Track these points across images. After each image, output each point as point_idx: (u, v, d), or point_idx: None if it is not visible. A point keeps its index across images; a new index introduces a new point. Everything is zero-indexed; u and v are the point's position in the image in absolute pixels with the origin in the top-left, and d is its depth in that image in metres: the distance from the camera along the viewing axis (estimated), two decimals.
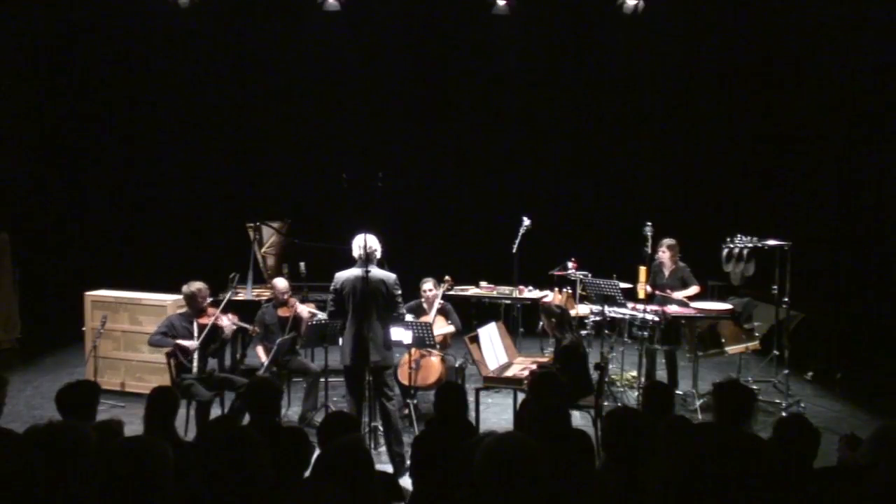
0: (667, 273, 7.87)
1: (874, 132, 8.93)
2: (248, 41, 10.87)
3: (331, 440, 3.32)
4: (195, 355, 6.55)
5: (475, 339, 6.39)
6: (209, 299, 6.89)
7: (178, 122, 11.05)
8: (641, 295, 7.87)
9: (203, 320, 6.71)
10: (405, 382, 6.96)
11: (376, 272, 5.91)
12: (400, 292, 5.98)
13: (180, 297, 7.75)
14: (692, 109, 10.85)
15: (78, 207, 11.14)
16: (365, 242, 5.84)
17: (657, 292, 7.76)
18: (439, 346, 7.16)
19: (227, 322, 6.79)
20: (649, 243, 7.65)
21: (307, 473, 3.30)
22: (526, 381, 5.54)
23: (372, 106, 11.06)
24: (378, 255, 6.01)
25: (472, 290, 8.56)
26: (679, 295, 7.70)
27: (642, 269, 7.89)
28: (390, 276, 5.94)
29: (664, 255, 7.81)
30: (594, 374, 6.72)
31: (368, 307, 5.83)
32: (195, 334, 6.63)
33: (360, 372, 5.93)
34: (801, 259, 7.48)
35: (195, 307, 6.72)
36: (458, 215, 11.11)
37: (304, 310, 7.29)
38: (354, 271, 5.87)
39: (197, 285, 6.77)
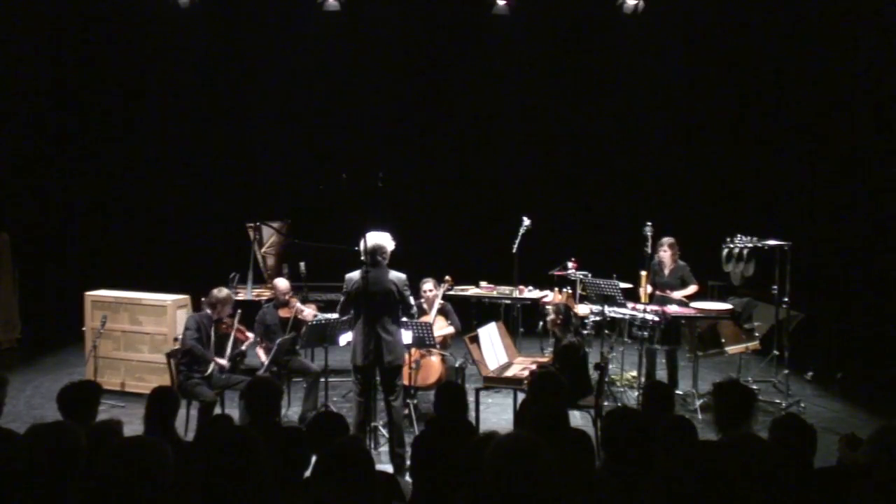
0: (667, 272, 7.87)
1: (875, 131, 8.92)
2: (248, 41, 10.87)
3: (320, 441, 3.32)
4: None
5: (475, 339, 6.39)
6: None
7: (177, 122, 11.05)
8: (644, 300, 7.86)
9: (221, 328, 6.78)
10: (405, 382, 6.95)
11: (387, 273, 5.91)
12: (409, 292, 5.99)
13: (180, 297, 7.78)
14: (692, 109, 10.85)
15: (78, 207, 11.13)
16: (365, 244, 5.85)
17: (657, 292, 7.76)
18: (439, 346, 7.16)
19: (251, 337, 6.94)
20: (649, 243, 7.65)
21: (307, 473, 3.30)
22: (526, 381, 5.54)
23: (372, 106, 11.05)
24: (387, 255, 5.99)
25: (472, 290, 8.56)
26: (678, 294, 7.70)
27: (644, 275, 7.89)
28: (400, 277, 5.96)
29: (665, 253, 7.81)
30: (594, 374, 6.73)
31: (378, 308, 5.83)
32: (212, 340, 6.70)
33: (370, 371, 5.94)
34: (801, 259, 7.48)
35: (219, 314, 6.75)
36: (458, 215, 11.10)
37: (306, 311, 7.30)
38: (361, 272, 5.87)
39: (227, 292, 6.83)
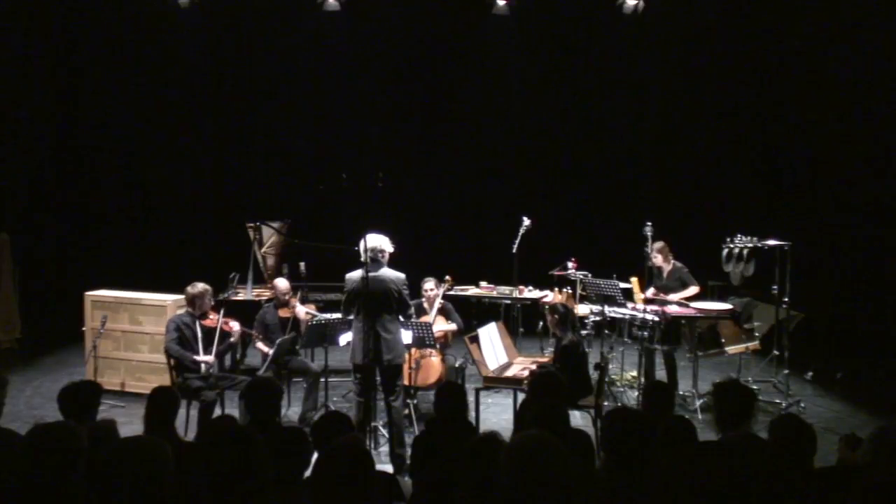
0: (665, 274, 7.86)
1: (875, 132, 8.93)
2: (247, 41, 10.87)
3: (325, 441, 3.32)
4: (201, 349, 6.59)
5: (475, 339, 6.39)
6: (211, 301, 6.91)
7: (177, 122, 11.05)
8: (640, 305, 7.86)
9: (207, 323, 6.72)
10: (405, 382, 6.94)
11: (386, 272, 5.93)
12: (407, 292, 6.00)
13: (180, 296, 7.76)
14: (692, 109, 10.85)
15: (78, 207, 11.13)
16: (364, 244, 5.86)
17: (654, 296, 7.76)
18: (439, 345, 7.16)
19: (237, 327, 6.87)
20: (649, 243, 7.64)
21: (307, 473, 3.30)
22: (526, 381, 5.54)
23: (372, 106, 11.05)
24: (386, 255, 6.02)
25: (472, 290, 8.56)
26: (675, 297, 7.69)
27: (634, 281, 7.89)
28: (400, 276, 5.97)
29: (657, 258, 7.79)
30: (594, 374, 6.72)
31: (377, 307, 5.85)
32: (199, 337, 6.63)
33: (370, 370, 5.95)
34: (801, 259, 7.48)
35: (200, 309, 6.72)
36: (458, 215, 11.10)
37: (303, 311, 7.30)
38: (361, 272, 5.88)
39: (202, 286, 6.74)
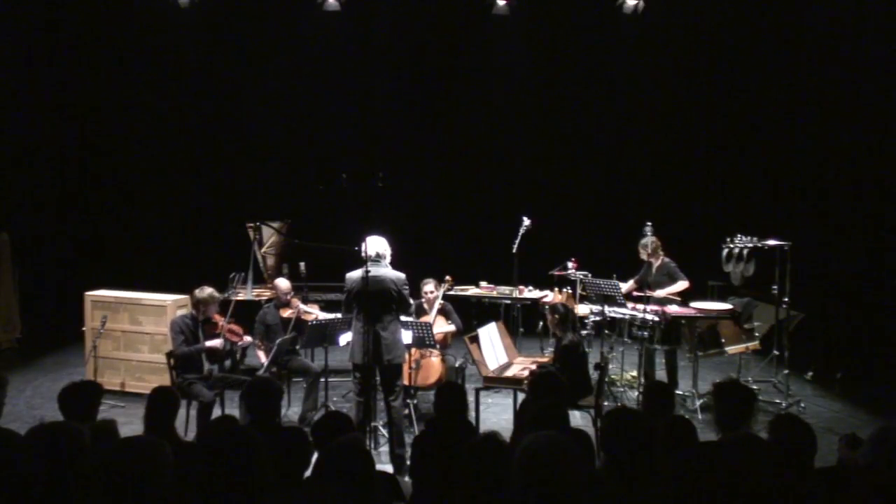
0: (654, 269, 7.87)
1: (875, 131, 8.92)
2: (247, 41, 10.87)
3: (326, 440, 3.32)
4: (204, 358, 6.63)
5: (475, 339, 6.39)
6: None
7: (177, 122, 11.05)
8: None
9: (211, 329, 6.74)
10: (405, 382, 6.95)
11: (386, 272, 5.95)
12: (407, 291, 6.02)
13: (180, 297, 7.78)
14: (692, 109, 10.85)
15: (78, 207, 11.13)
16: (365, 246, 5.87)
17: (635, 291, 7.78)
18: (439, 345, 7.16)
19: (240, 341, 6.94)
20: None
21: (307, 473, 3.30)
22: (526, 381, 5.54)
23: (372, 106, 11.06)
24: (387, 258, 6.05)
25: (472, 290, 8.56)
26: (662, 293, 7.69)
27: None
28: (400, 276, 5.99)
29: (643, 253, 7.79)
30: (594, 374, 6.73)
31: (377, 307, 5.86)
32: (200, 339, 6.66)
33: (370, 370, 5.96)
34: (801, 259, 7.48)
35: (204, 314, 6.72)
36: (458, 215, 11.10)
37: (308, 311, 7.31)
38: (361, 271, 5.89)
39: (209, 292, 6.74)
